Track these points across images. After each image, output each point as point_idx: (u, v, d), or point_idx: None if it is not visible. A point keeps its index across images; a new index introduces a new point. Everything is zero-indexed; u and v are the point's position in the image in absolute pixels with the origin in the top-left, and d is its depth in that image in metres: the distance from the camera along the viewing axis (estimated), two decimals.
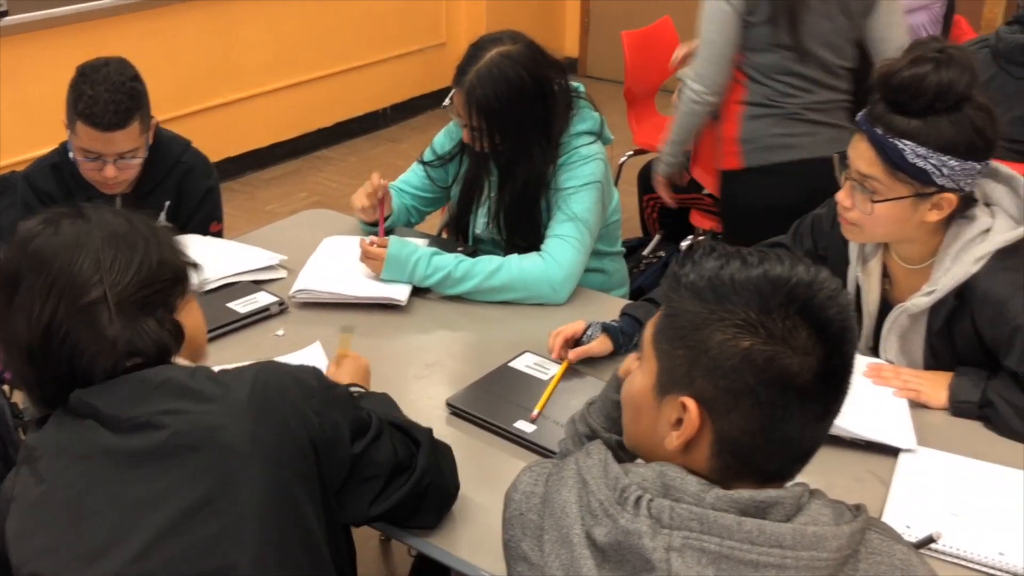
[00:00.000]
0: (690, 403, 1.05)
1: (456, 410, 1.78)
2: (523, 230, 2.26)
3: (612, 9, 6.39)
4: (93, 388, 1.22)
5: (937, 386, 1.81)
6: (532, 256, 2.16)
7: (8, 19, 4.04)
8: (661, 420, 1.08)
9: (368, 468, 1.34)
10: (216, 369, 1.29)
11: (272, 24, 5.04)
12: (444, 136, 2.45)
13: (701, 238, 3.52)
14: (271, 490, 1.19)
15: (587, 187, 2.20)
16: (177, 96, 4.63)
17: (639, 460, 1.17)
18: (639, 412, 1.13)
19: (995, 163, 1.81)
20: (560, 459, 1.25)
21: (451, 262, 2.13)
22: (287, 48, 5.15)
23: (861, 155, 1.75)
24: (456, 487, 1.50)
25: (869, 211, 1.75)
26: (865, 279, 1.94)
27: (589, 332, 1.91)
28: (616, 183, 4.21)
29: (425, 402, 1.82)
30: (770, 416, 1.02)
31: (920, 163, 1.68)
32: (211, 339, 1.82)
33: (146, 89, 2.32)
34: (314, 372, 1.33)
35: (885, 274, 1.93)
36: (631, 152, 4.18)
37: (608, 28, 4.30)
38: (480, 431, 1.75)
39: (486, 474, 1.59)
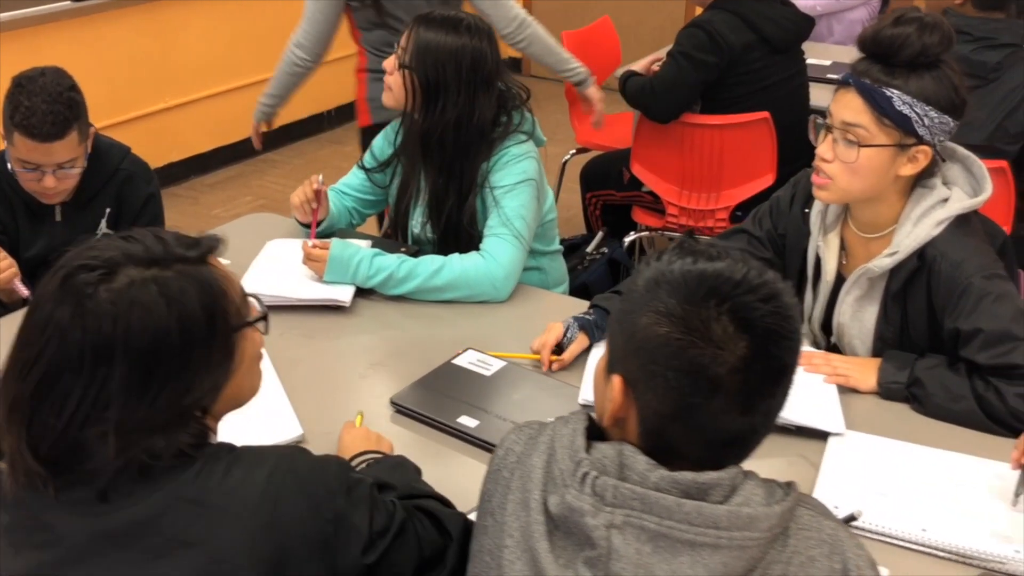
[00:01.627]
0: (617, 380, 1.10)
1: (400, 408, 1.82)
2: (458, 229, 2.30)
3: (555, 9, 6.45)
4: None
5: (866, 371, 1.89)
6: (473, 255, 2.20)
7: None
8: (605, 396, 1.14)
9: (390, 569, 1.26)
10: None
11: (211, 28, 5.02)
12: (382, 139, 2.48)
13: (644, 234, 3.59)
14: None
15: (521, 185, 2.25)
16: (116, 102, 4.61)
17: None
18: (596, 386, 1.20)
19: (953, 144, 1.91)
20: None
21: (394, 262, 2.17)
22: (227, 52, 5.13)
23: (847, 105, 1.82)
24: None
25: (853, 159, 1.81)
26: (824, 248, 2.01)
27: (569, 334, 1.96)
28: (560, 181, 4.30)
29: (370, 401, 1.85)
30: (682, 402, 1.06)
31: (905, 110, 1.77)
32: None
33: (84, 98, 2.31)
34: (336, 470, 1.25)
35: (841, 247, 2.01)
36: (574, 151, 4.23)
37: (551, 28, 4.44)
38: (425, 428, 1.79)
39: (431, 469, 1.61)
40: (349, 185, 2.53)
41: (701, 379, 1.05)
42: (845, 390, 1.88)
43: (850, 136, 1.81)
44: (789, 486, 1.11)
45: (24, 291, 2.24)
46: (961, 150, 1.91)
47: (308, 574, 1.18)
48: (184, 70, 4.96)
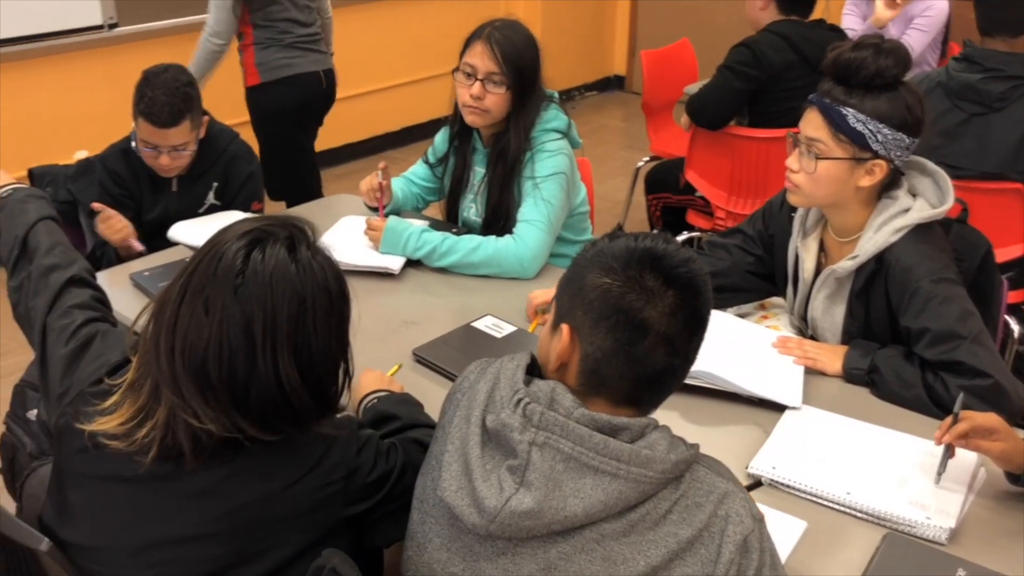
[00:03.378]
0: (565, 329, 1.21)
1: (420, 359, 1.96)
2: (498, 213, 2.40)
3: (658, 30, 6.48)
4: None
5: (834, 356, 1.92)
6: (506, 238, 2.31)
7: (118, 30, 4.35)
8: (552, 347, 1.24)
9: (394, 501, 1.38)
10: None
11: (351, 38, 5.25)
12: (441, 135, 2.61)
13: (695, 234, 3.63)
14: (296, 549, 1.28)
15: (552, 177, 2.33)
16: None
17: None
18: (541, 345, 1.30)
19: (925, 160, 1.93)
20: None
21: (438, 238, 2.30)
22: (359, 60, 5.36)
23: (810, 122, 1.87)
24: None
25: (813, 169, 1.86)
26: (803, 250, 2.05)
27: None
28: (633, 185, 4.36)
29: (397, 351, 1.99)
30: (620, 340, 1.17)
31: (859, 127, 1.80)
32: None
33: (199, 93, 2.53)
34: (348, 431, 1.36)
35: (822, 248, 2.05)
36: (647, 158, 4.28)
37: (654, 47, 4.65)
38: (439, 377, 1.92)
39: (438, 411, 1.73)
40: (416, 174, 2.67)
41: (636, 320, 1.16)
42: (815, 372, 1.92)
43: (812, 149, 1.85)
44: (693, 446, 1.20)
45: (139, 247, 2.47)
46: (931, 165, 1.92)
47: (329, 516, 1.31)
48: None
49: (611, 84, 7.04)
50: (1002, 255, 2.77)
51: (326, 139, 5.29)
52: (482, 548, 1.18)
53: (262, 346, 1.22)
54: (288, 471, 1.28)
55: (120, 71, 4.23)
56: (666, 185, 3.70)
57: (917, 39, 3.89)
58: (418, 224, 2.39)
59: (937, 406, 1.77)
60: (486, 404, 1.23)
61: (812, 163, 1.86)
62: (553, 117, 2.39)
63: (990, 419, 1.53)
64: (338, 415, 1.39)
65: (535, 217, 2.30)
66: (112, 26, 4.33)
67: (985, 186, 2.68)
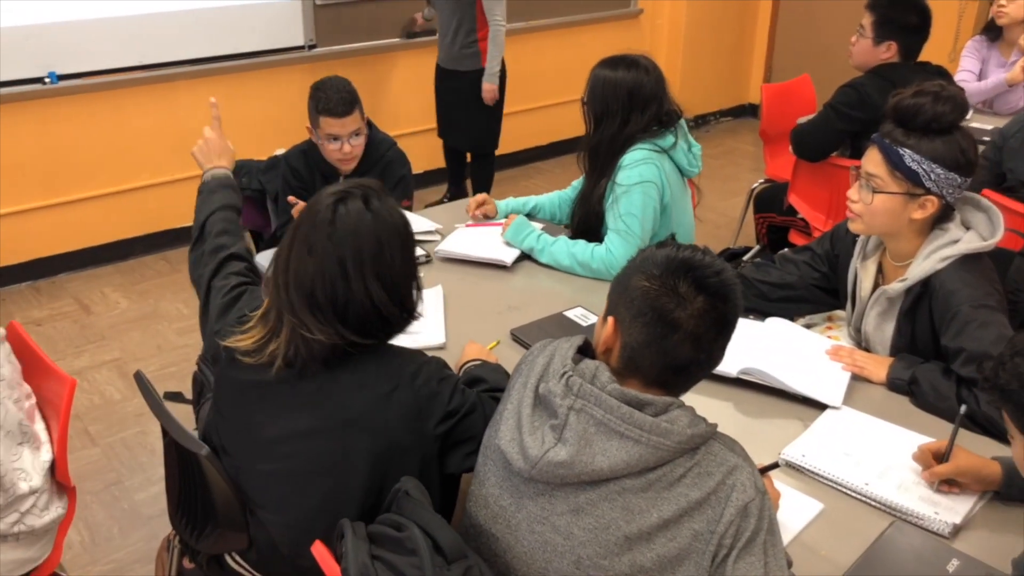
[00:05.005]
0: (611, 320, 1.33)
1: (516, 337, 2.10)
2: (589, 214, 2.49)
3: (792, 62, 6.38)
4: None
5: (880, 366, 1.94)
6: (599, 245, 2.41)
7: (316, 50, 4.68)
8: (601, 335, 1.36)
9: (463, 434, 1.52)
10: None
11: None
12: None
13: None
14: (378, 459, 1.45)
15: (637, 187, 2.36)
16: None
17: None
18: (597, 329, 1.41)
19: (981, 196, 1.92)
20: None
21: (549, 239, 2.45)
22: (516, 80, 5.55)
23: (871, 159, 1.90)
24: None
25: (870, 201, 1.89)
26: (862, 270, 2.07)
27: None
28: (747, 205, 4.35)
29: (498, 329, 2.13)
30: (653, 333, 1.26)
31: (914, 166, 1.82)
32: None
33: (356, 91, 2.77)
34: (435, 365, 1.52)
35: (880, 270, 2.07)
36: (762, 180, 4.27)
37: (787, 79, 4.62)
38: None
39: None
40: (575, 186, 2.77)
41: (667, 319, 1.26)
42: (863, 379, 1.94)
43: (871, 183, 1.88)
44: (712, 425, 1.29)
45: None
46: (985, 202, 1.91)
47: (408, 433, 1.47)
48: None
49: (745, 111, 6.95)
50: None
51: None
52: (526, 488, 1.32)
53: (354, 275, 1.43)
54: (387, 381, 1.47)
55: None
56: (772, 206, 3.69)
57: None
58: (537, 226, 2.54)
59: (968, 418, 1.77)
60: (541, 374, 1.36)
61: (869, 195, 1.88)
62: (659, 136, 2.43)
63: (971, 460, 1.59)
64: (431, 356, 1.57)
65: (621, 227, 2.38)
66: (311, 47, 4.67)
67: None
